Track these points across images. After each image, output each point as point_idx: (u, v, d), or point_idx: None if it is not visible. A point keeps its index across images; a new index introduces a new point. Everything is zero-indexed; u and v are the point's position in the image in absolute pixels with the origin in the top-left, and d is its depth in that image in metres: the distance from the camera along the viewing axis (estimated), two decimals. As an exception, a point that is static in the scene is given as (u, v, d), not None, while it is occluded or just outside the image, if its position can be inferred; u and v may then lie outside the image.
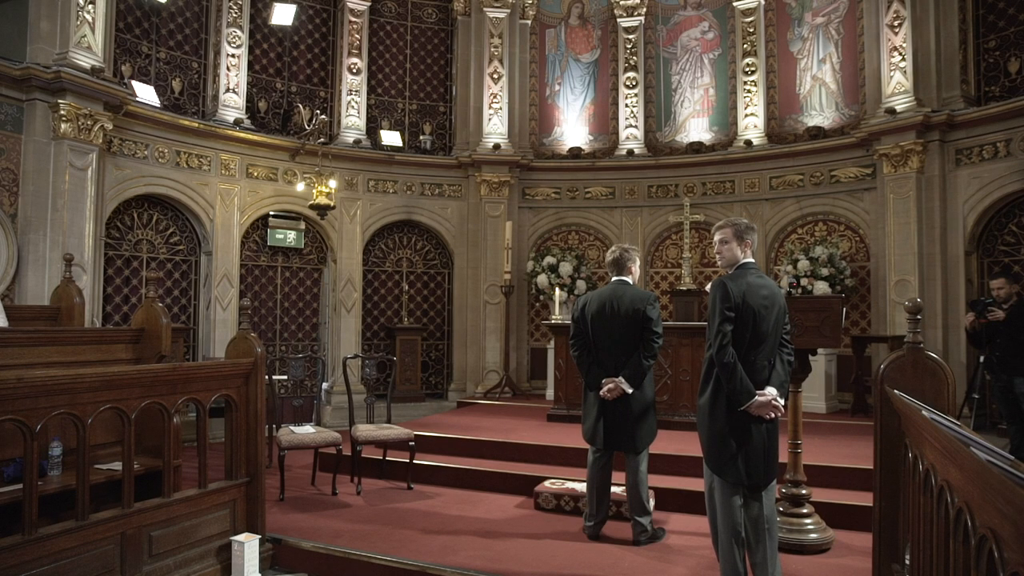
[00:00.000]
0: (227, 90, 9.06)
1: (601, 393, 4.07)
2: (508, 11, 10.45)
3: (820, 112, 9.38)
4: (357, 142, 9.98)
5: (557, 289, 9.25)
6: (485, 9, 10.40)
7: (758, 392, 3.16)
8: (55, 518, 3.19)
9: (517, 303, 10.21)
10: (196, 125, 8.57)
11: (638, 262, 4.32)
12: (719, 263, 3.43)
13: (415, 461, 5.40)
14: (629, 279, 4.23)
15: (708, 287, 3.75)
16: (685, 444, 5.37)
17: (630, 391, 4.02)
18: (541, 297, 10.17)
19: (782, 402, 3.21)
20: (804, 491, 4.01)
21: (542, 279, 9.82)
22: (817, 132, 9.27)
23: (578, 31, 10.82)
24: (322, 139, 9.12)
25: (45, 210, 6.91)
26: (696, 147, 10.03)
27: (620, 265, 4.25)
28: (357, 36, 10.16)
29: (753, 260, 3.35)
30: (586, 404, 4.22)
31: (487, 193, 10.24)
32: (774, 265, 9.48)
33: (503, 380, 9.51)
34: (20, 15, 6.98)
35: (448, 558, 3.79)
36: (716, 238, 3.41)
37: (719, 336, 3.16)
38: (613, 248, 4.36)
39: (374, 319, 10.35)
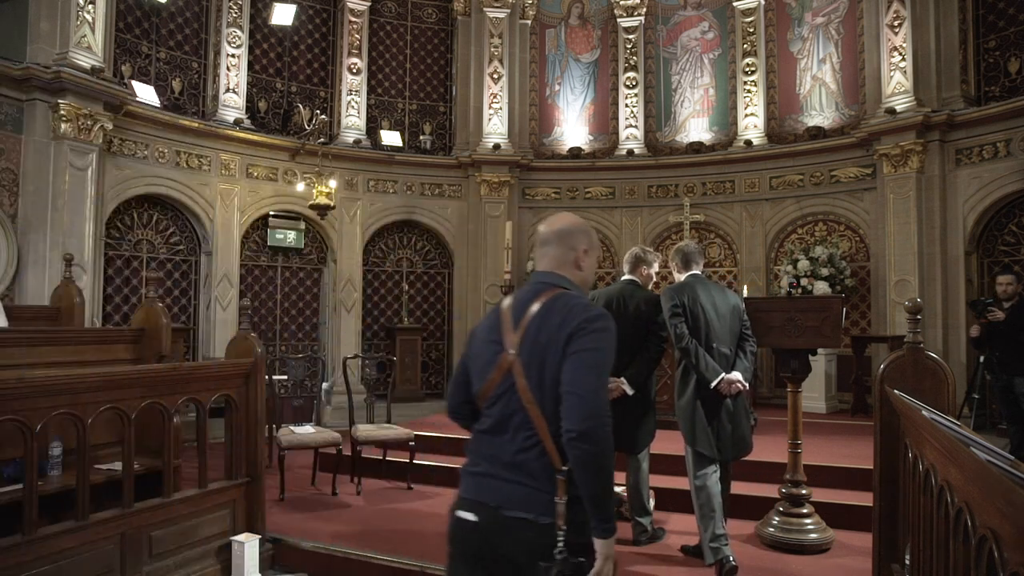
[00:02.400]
0: (227, 90, 9.06)
1: None
2: (508, 11, 10.45)
3: (820, 112, 9.38)
4: (357, 142, 9.98)
5: (557, 289, 9.23)
6: (485, 9, 10.40)
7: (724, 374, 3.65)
8: (55, 518, 3.18)
9: (517, 303, 10.19)
10: (196, 125, 8.57)
11: (655, 266, 4.22)
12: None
13: (415, 461, 5.40)
14: (639, 280, 4.19)
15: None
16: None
17: (631, 392, 4.00)
18: (541, 297, 10.15)
19: (746, 385, 3.71)
20: (804, 491, 4.01)
21: (542, 279, 9.80)
22: (817, 132, 9.27)
23: (578, 31, 10.82)
24: (322, 139, 9.13)
25: (45, 210, 6.91)
26: (696, 147, 10.03)
27: (633, 265, 4.21)
28: (357, 36, 10.16)
29: (699, 273, 3.93)
30: None
31: (487, 193, 10.24)
32: (774, 265, 9.48)
33: (503, 380, 9.50)
34: (20, 15, 6.98)
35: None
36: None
37: (674, 328, 3.71)
38: (633, 248, 4.35)
39: (374, 319, 10.35)
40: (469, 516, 1.79)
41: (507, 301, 1.94)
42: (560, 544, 1.67)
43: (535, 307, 1.83)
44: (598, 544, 1.70)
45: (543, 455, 1.73)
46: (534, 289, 1.90)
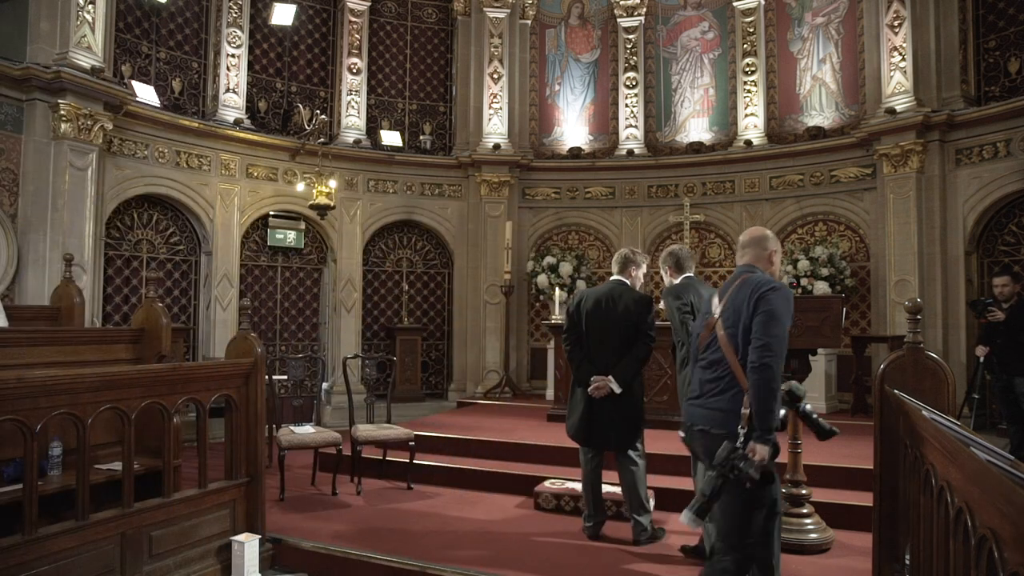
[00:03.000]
0: (227, 90, 9.06)
1: (588, 391, 4.06)
2: (508, 11, 10.45)
3: (820, 112, 9.38)
4: (357, 142, 9.98)
5: (557, 289, 9.25)
6: (485, 9, 10.40)
7: None
8: (55, 518, 3.18)
9: (517, 303, 10.21)
10: (196, 125, 8.57)
11: (643, 268, 4.25)
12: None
13: (415, 461, 5.40)
14: (628, 281, 4.21)
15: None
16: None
17: (618, 391, 4.00)
18: (541, 297, 10.17)
19: None
20: (804, 491, 4.01)
21: (542, 279, 9.82)
22: (817, 132, 9.27)
23: (578, 31, 10.82)
24: (322, 139, 9.13)
25: (45, 210, 6.91)
26: (696, 147, 10.03)
27: (623, 265, 4.23)
28: (357, 36, 10.16)
29: (692, 275, 4.01)
30: (572, 399, 4.21)
31: (487, 193, 10.24)
32: (774, 265, 9.47)
33: (503, 380, 9.51)
34: (20, 15, 6.98)
35: (448, 558, 3.78)
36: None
37: (682, 326, 3.76)
38: (622, 249, 4.37)
39: (374, 319, 10.35)
40: (681, 433, 2.98)
41: (719, 290, 2.93)
42: (740, 443, 2.50)
43: (735, 285, 2.78)
44: (756, 447, 2.48)
45: (733, 380, 2.64)
46: (736, 275, 2.85)
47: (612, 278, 4.27)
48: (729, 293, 2.76)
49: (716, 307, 2.81)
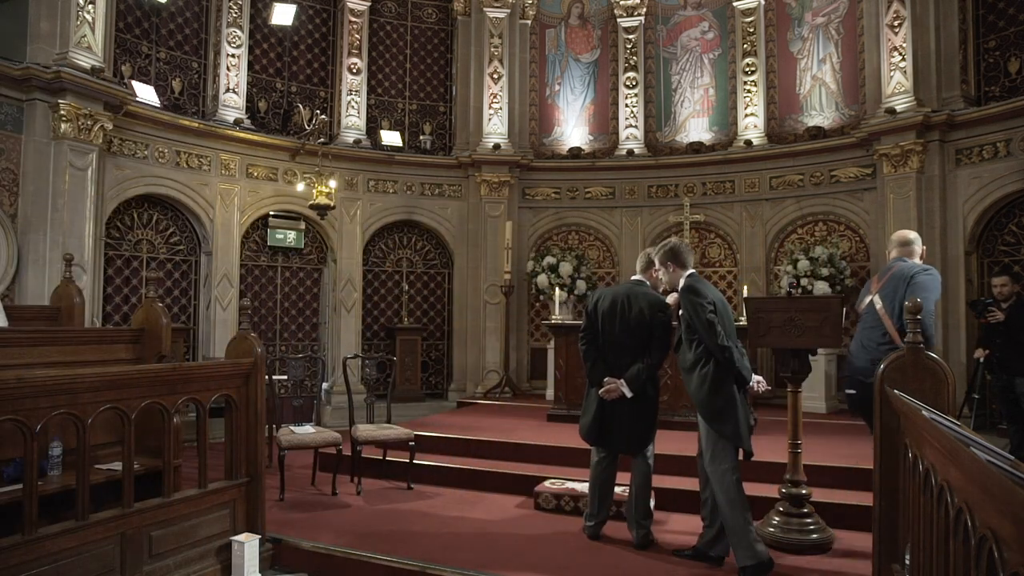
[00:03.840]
0: (227, 90, 9.06)
1: (599, 392, 4.04)
2: (508, 11, 10.45)
3: (820, 112, 9.38)
4: (357, 142, 9.98)
5: (557, 289, 9.25)
6: (485, 9, 10.40)
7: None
8: (55, 518, 3.18)
9: (517, 303, 10.21)
10: (196, 125, 8.57)
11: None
12: (667, 286, 4.04)
13: (415, 461, 5.40)
14: (648, 282, 4.16)
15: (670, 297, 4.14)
16: (685, 444, 5.37)
17: (629, 395, 3.97)
18: (541, 297, 10.16)
19: (768, 385, 4.08)
20: (804, 491, 4.01)
21: (542, 279, 9.82)
22: (817, 132, 9.27)
23: (578, 31, 10.82)
24: (322, 139, 9.13)
25: (45, 210, 6.91)
26: (696, 147, 10.03)
27: (646, 265, 4.15)
28: (357, 36, 10.16)
29: (693, 271, 3.87)
30: (587, 400, 4.18)
31: (487, 193, 10.24)
32: (774, 265, 9.48)
33: (503, 380, 9.51)
34: (20, 15, 6.98)
35: (448, 558, 3.79)
36: (658, 268, 4.01)
37: (713, 327, 3.56)
38: (648, 248, 4.35)
39: (374, 319, 10.35)
40: (848, 388, 3.98)
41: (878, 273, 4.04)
42: None
43: (892, 269, 3.89)
44: None
45: (891, 343, 3.65)
46: (891, 264, 3.95)
47: (632, 278, 4.24)
48: (887, 275, 3.82)
49: (873, 287, 3.83)
